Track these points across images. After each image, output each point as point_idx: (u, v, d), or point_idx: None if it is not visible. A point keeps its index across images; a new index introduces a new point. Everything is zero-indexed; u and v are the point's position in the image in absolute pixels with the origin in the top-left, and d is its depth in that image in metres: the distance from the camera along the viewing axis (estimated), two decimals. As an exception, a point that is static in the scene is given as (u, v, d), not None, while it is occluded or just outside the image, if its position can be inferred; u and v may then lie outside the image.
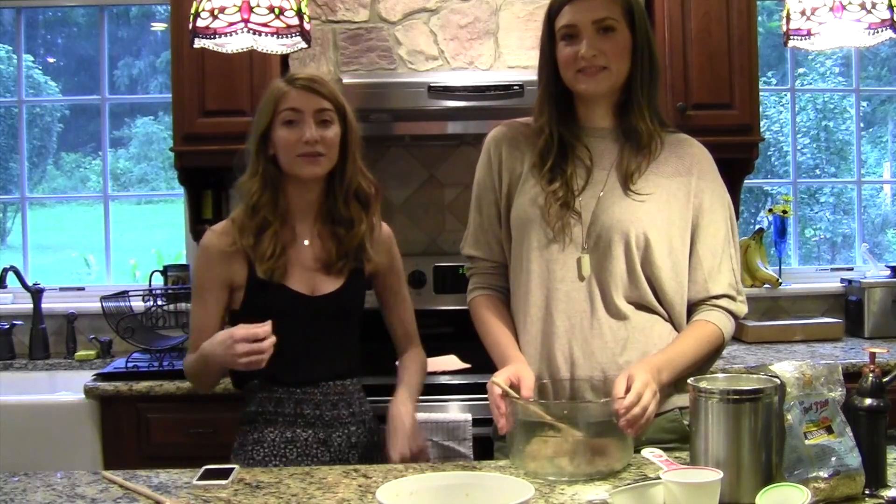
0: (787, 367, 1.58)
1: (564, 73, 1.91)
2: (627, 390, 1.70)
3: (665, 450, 1.64)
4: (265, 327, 1.83)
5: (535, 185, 1.93)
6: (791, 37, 2.14)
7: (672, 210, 1.90)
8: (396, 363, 2.23)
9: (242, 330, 1.84)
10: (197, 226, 3.52)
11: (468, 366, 3.05)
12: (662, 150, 1.95)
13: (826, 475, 1.50)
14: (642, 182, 1.90)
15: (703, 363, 1.91)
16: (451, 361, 3.12)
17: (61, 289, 3.73)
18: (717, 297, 1.93)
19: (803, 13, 2.07)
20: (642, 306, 1.90)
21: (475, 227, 2.05)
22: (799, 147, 4.26)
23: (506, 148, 2.01)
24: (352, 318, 2.12)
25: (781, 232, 3.73)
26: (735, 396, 1.55)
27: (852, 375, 1.69)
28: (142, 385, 2.93)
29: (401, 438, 1.99)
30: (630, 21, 1.90)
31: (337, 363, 2.09)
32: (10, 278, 3.42)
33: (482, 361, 3.10)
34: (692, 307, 1.94)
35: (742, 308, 1.96)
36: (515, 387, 1.78)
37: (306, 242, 2.06)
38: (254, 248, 2.01)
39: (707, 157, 2.00)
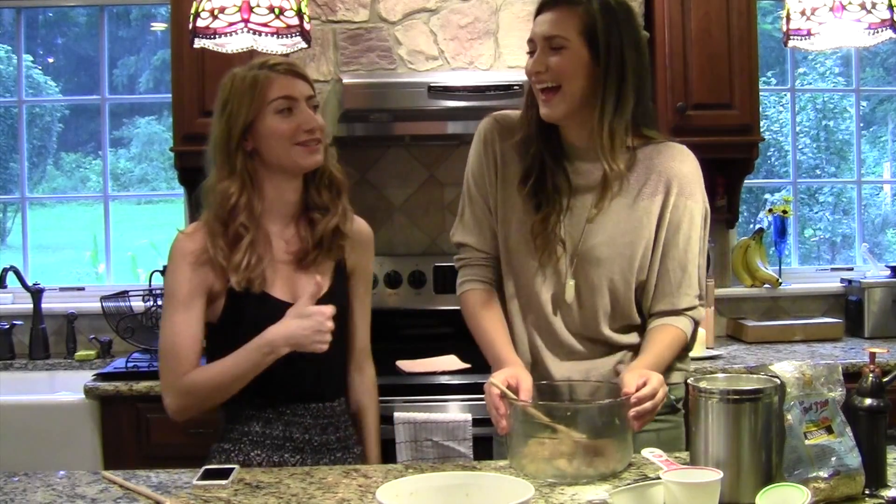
0: (787, 367, 1.58)
1: (531, 87, 1.89)
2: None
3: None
4: (330, 308, 1.78)
5: (522, 207, 1.91)
6: (791, 37, 2.15)
7: (648, 230, 1.88)
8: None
9: (329, 308, 1.77)
10: (197, 226, 3.52)
11: (468, 366, 3.05)
12: (643, 168, 1.90)
13: (826, 475, 1.50)
14: (620, 207, 1.88)
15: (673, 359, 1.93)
16: (451, 361, 3.12)
17: (61, 289, 3.73)
18: (682, 311, 1.91)
19: (803, 13, 2.07)
20: (625, 327, 1.93)
21: (468, 214, 2.00)
22: (799, 147, 4.26)
23: (500, 143, 1.96)
24: (341, 322, 1.89)
25: (781, 232, 3.73)
26: (735, 396, 1.55)
27: (852, 375, 1.69)
28: (142, 385, 2.93)
29: None
30: (589, 39, 1.81)
31: (326, 377, 1.95)
32: (10, 278, 3.42)
33: (482, 361, 3.09)
34: (656, 314, 1.92)
35: (703, 313, 1.96)
36: (514, 389, 1.77)
37: (283, 243, 1.91)
38: (227, 258, 1.83)
39: (690, 167, 1.93)
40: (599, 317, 1.90)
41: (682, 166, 1.91)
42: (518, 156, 1.94)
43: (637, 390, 1.70)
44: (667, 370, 1.88)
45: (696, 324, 1.95)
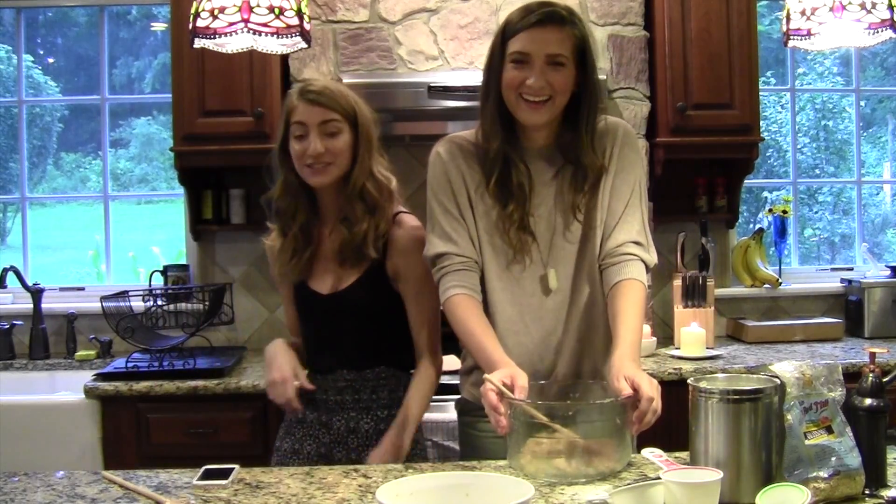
0: (787, 367, 1.58)
1: (507, 94, 1.94)
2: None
3: None
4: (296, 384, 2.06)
5: (490, 207, 1.99)
6: (791, 37, 2.15)
7: (604, 198, 1.99)
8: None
9: (277, 375, 2.07)
10: (197, 226, 3.52)
11: (468, 366, 3.05)
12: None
13: (826, 475, 1.50)
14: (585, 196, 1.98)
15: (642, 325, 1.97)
16: (451, 361, 3.11)
17: (61, 289, 3.73)
18: (626, 244, 1.96)
19: (803, 13, 2.07)
20: (602, 301, 1.99)
21: (439, 226, 2.02)
22: (798, 147, 4.26)
23: (461, 160, 2.04)
24: (366, 313, 2.12)
25: (781, 232, 3.73)
26: (735, 396, 1.55)
27: (852, 375, 1.69)
28: (142, 385, 2.93)
29: (378, 457, 2.02)
30: (580, 59, 1.93)
31: (349, 355, 2.13)
32: (10, 278, 3.42)
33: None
34: (606, 258, 1.98)
35: (652, 257, 2.00)
36: (509, 388, 1.77)
37: (329, 242, 2.13)
38: (278, 251, 2.14)
39: (620, 129, 2.04)
40: (578, 299, 1.99)
41: (616, 130, 2.04)
42: (478, 164, 2.02)
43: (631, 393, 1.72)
44: None
45: (647, 267, 1.99)
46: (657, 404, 1.71)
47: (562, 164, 2.00)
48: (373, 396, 2.13)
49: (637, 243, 1.97)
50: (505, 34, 1.94)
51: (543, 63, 1.90)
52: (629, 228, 1.97)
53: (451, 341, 3.41)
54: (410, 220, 2.17)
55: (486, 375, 1.78)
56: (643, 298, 1.95)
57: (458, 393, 2.87)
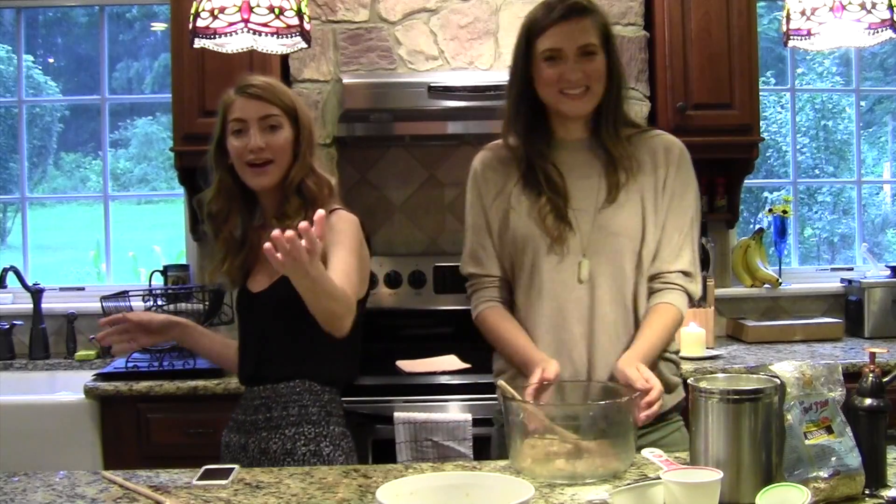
0: (787, 367, 1.58)
1: (546, 92, 1.97)
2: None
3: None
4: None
5: (526, 202, 2.01)
6: (791, 37, 2.15)
7: (651, 204, 2.00)
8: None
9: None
10: (197, 226, 3.52)
11: (468, 366, 3.06)
12: (640, 151, 2.03)
13: (826, 475, 1.50)
14: (625, 189, 1.99)
15: (666, 345, 2.02)
16: (451, 361, 3.12)
17: (61, 289, 3.73)
18: (675, 273, 2.00)
19: (803, 13, 2.07)
20: (634, 300, 2.01)
21: (472, 245, 2.08)
22: (798, 147, 4.26)
23: (490, 171, 2.07)
24: (290, 312, 1.93)
25: (781, 232, 3.73)
26: (735, 396, 1.55)
27: (852, 375, 1.69)
28: (142, 385, 2.93)
29: None
30: (606, 45, 1.98)
31: (270, 361, 2.04)
32: (10, 278, 3.42)
33: (482, 361, 3.10)
34: (653, 280, 2.01)
35: (697, 290, 2.05)
36: (544, 381, 1.83)
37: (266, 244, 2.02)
38: (209, 256, 2.11)
39: (678, 147, 2.06)
40: (612, 290, 1.99)
41: (674, 146, 2.06)
42: (514, 162, 2.04)
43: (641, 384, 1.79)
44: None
45: (690, 299, 2.03)
46: (658, 392, 1.78)
47: (601, 155, 2.02)
48: (283, 413, 2.01)
49: (687, 274, 2.01)
50: (530, 33, 1.97)
51: (576, 55, 1.94)
52: (683, 259, 2.01)
53: (451, 341, 3.42)
54: (345, 214, 2.05)
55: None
56: (674, 323, 1.99)
57: (458, 393, 2.89)
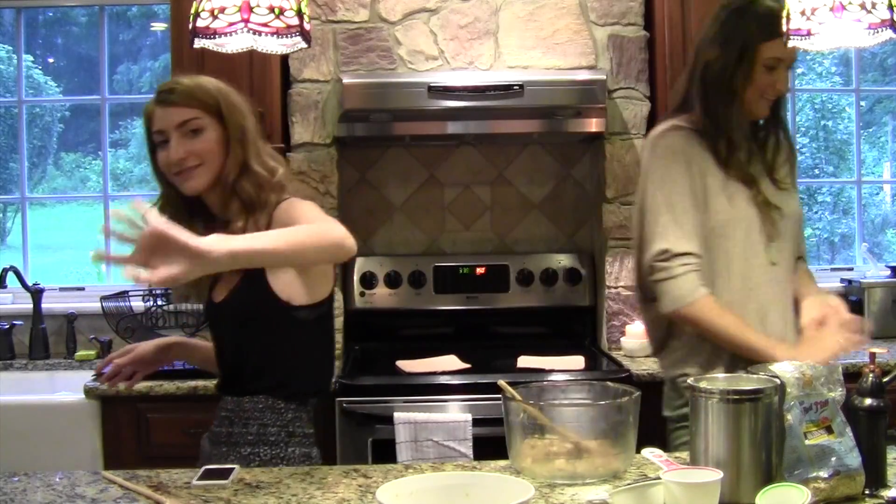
0: (787, 367, 1.59)
1: (752, 94, 2.10)
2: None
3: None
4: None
5: (732, 190, 2.10)
6: (791, 37, 2.14)
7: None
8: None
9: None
10: (197, 226, 3.52)
11: (468, 366, 3.06)
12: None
13: (826, 475, 1.50)
14: (790, 175, 2.24)
15: None
16: (451, 361, 3.12)
17: (61, 289, 3.73)
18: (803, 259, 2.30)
19: (803, 13, 2.07)
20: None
21: (685, 219, 2.06)
22: (798, 147, 4.25)
23: (697, 146, 2.12)
24: (245, 324, 1.91)
25: (781, 232, 3.72)
26: (735, 396, 1.55)
27: (852, 375, 1.69)
28: (142, 385, 2.91)
29: None
30: None
31: (235, 373, 1.97)
32: (10, 278, 3.42)
33: (482, 361, 3.12)
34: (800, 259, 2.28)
35: None
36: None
37: None
38: None
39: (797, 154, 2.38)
40: (790, 272, 2.18)
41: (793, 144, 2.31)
42: (708, 149, 2.11)
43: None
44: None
45: None
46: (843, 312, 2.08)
47: (751, 143, 2.16)
48: (243, 430, 1.94)
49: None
50: (748, 42, 2.07)
51: (786, 68, 2.11)
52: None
53: (451, 341, 3.42)
54: (297, 201, 1.91)
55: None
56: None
57: (458, 393, 2.89)
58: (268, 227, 1.84)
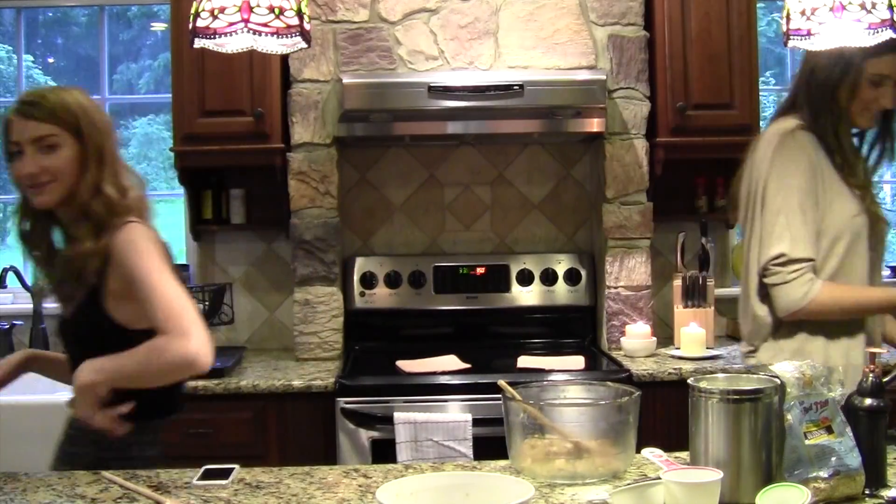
0: (787, 367, 1.58)
1: (858, 107, 2.17)
2: None
3: None
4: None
5: (848, 196, 2.16)
6: (791, 37, 2.14)
7: None
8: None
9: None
10: (197, 226, 3.52)
11: (468, 366, 3.06)
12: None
13: (826, 475, 1.50)
14: None
15: None
16: (451, 361, 3.12)
17: (61, 289, 3.72)
18: None
19: (803, 13, 2.07)
20: None
21: (808, 229, 2.13)
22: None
23: (818, 154, 2.17)
24: (86, 345, 1.87)
25: (781, 232, 3.72)
26: (735, 396, 1.55)
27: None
28: (142, 385, 2.92)
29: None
30: None
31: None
32: (10, 278, 3.42)
33: (482, 361, 3.12)
34: None
35: None
36: None
37: None
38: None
39: None
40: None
41: None
42: (824, 151, 2.17)
43: None
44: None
45: None
46: None
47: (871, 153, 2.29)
48: (84, 450, 1.91)
49: None
50: (865, 52, 2.08)
51: (893, 84, 2.15)
52: None
53: (451, 341, 3.42)
54: (134, 227, 1.87)
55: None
56: None
57: (458, 393, 2.89)
58: (107, 254, 1.83)
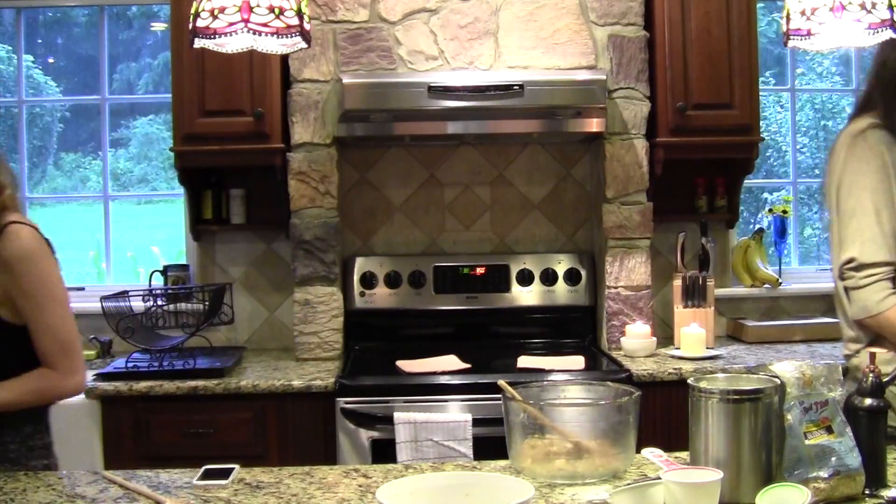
0: (787, 367, 1.58)
1: None
2: None
3: None
4: None
5: None
6: (791, 37, 2.14)
7: None
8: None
9: None
10: (197, 226, 3.52)
11: (468, 366, 3.06)
12: None
13: (826, 475, 1.50)
14: None
15: None
16: (451, 361, 3.12)
17: (61, 289, 3.72)
18: None
19: (803, 13, 2.07)
20: None
21: (882, 230, 2.06)
22: (798, 146, 4.26)
23: (891, 153, 2.09)
24: None
25: (781, 232, 3.73)
26: (735, 396, 1.55)
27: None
28: (142, 385, 2.92)
29: None
30: None
31: None
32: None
33: (482, 361, 3.12)
34: None
35: None
36: None
37: None
38: None
39: None
40: None
41: None
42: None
43: None
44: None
45: None
46: None
47: None
48: None
49: None
50: None
51: None
52: None
53: (451, 341, 3.41)
54: (20, 230, 1.94)
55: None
56: None
57: (458, 393, 2.89)
58: None
